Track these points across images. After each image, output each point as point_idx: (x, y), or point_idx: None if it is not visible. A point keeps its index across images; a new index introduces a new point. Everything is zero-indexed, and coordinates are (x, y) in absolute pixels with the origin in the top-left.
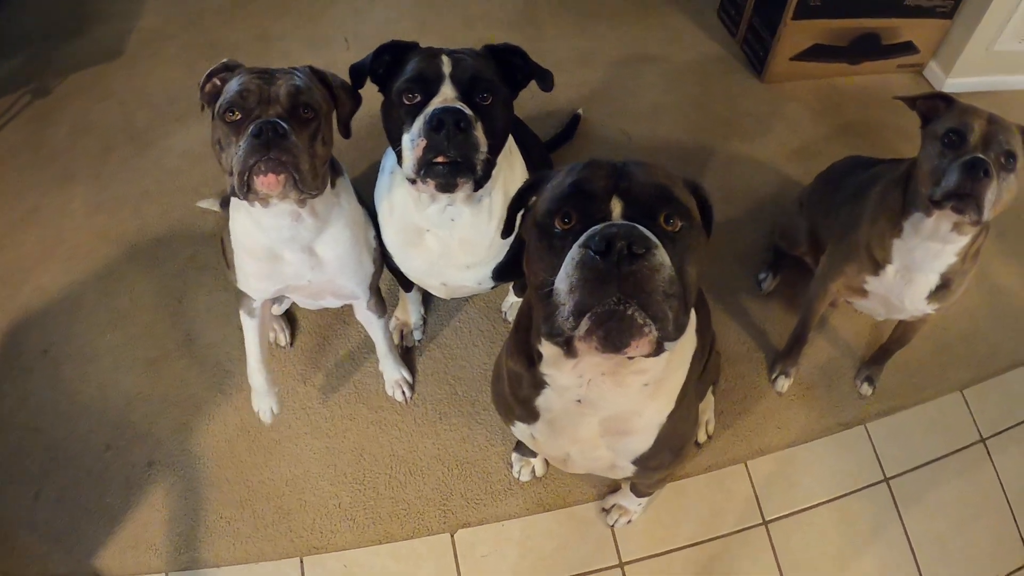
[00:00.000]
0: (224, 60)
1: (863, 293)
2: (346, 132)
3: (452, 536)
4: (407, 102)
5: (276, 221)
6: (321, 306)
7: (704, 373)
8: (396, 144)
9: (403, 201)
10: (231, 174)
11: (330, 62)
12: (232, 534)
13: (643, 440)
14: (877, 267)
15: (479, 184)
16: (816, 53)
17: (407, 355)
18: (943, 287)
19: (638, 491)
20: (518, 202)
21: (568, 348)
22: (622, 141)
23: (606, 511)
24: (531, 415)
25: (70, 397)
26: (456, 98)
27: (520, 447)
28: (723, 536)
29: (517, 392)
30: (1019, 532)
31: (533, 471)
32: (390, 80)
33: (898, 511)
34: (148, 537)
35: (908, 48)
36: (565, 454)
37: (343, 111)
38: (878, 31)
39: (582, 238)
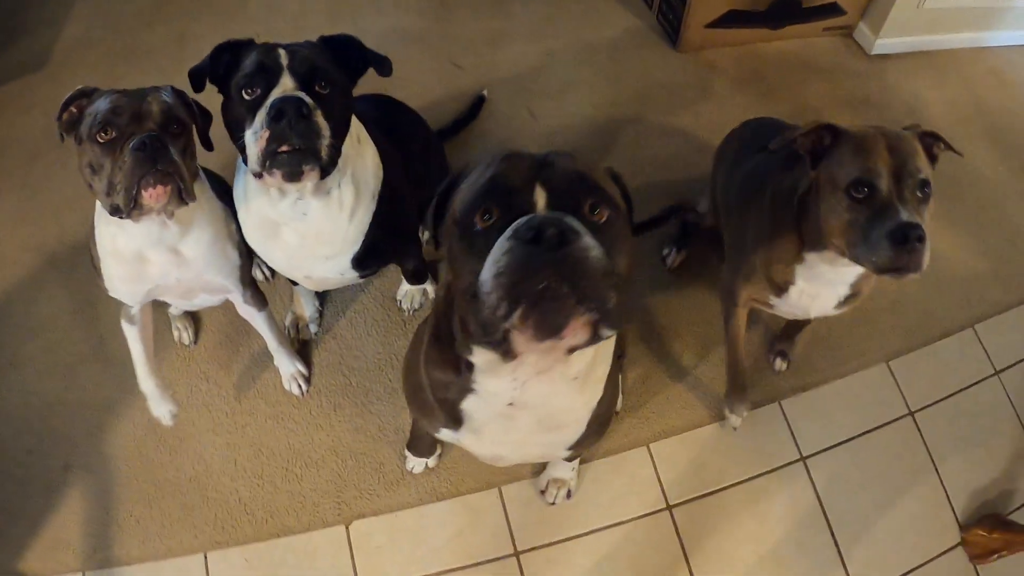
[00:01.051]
0: (79, 87)
1: (768, 305)
2: (208, 145)
3: (347, 528)
4: (247, 96)
5: (143, 229)
6: (197, 305)
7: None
8: (238, 140)
9: (256, 198)
10: (109, 193)
11: None
12: (141, 532)
13: (575, 431)
14: (780, 290)
15: (325, 171)
16: (732, 19)
17: (304, 348)
18: (852, 295)
19: (568, 457)
20: (440, 206)
21: (505, 348)
22: (527, 121)
23: (543, 492)
24: (456, 420)
25: None
26: (295, 88)
27: (413, 445)
28: (625, 522)
29: (441, 396)
30: (952, 511)
31: (426, 464)
32: (229, 79)
33: (816, 491)
34: (66, 538)
35: (833, 10)
36: (495, 455)
37: (201, 126)
38: None
39: (508, 230)
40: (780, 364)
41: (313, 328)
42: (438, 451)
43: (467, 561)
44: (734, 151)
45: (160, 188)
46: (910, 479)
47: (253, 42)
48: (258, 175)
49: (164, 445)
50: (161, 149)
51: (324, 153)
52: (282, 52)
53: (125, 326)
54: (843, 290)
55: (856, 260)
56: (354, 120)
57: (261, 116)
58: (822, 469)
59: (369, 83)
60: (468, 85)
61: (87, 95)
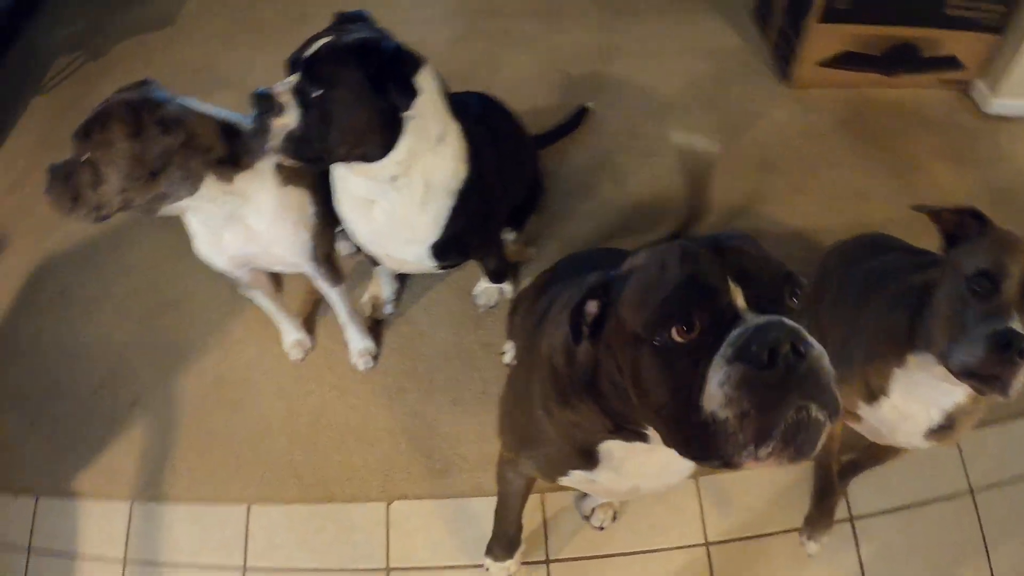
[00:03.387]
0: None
1: (855, 417)
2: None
3: (388, 506)
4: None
5: (199, 202)
6: (277, 271)
7: None
8: None
9: (345, 174)
10: None
11: None
12: (192, 476)
13: None
14: (872, 397)
15: (312, 164)
16: (847, 60)
17: (376, 327)
18: (945, 427)
19: None
20: (580, 312)
21: (730, 464)
22: (627, 138)
23: (587, 518)
24: (592, 462)
25: (76, 336)
26: (293, 85)
27: (491, 550)
28: (661, 551)
29: (577, 438)
30: None
31: (509, 569)
32: None
33: (858, 553)
34: (121, 468)
35: (951, 63)
36: (633, 487)
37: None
38: (916, 42)
39: (727, 350)
40: (812, 547)
41: (388, 309)
42: (520, 549)
43: None
44: (851, 254)
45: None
46: (958, 559)
47: (337, 25)
48: None
49: (228, 400)
50: (60, 178)
51: (270, 146)
52: (316, 45)
53: (245, 293)
54: (937, 416)
55: (947, 358)
56: (433, 120)
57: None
58: (870, 532)
59: (475, 82)
60: (573, 95)
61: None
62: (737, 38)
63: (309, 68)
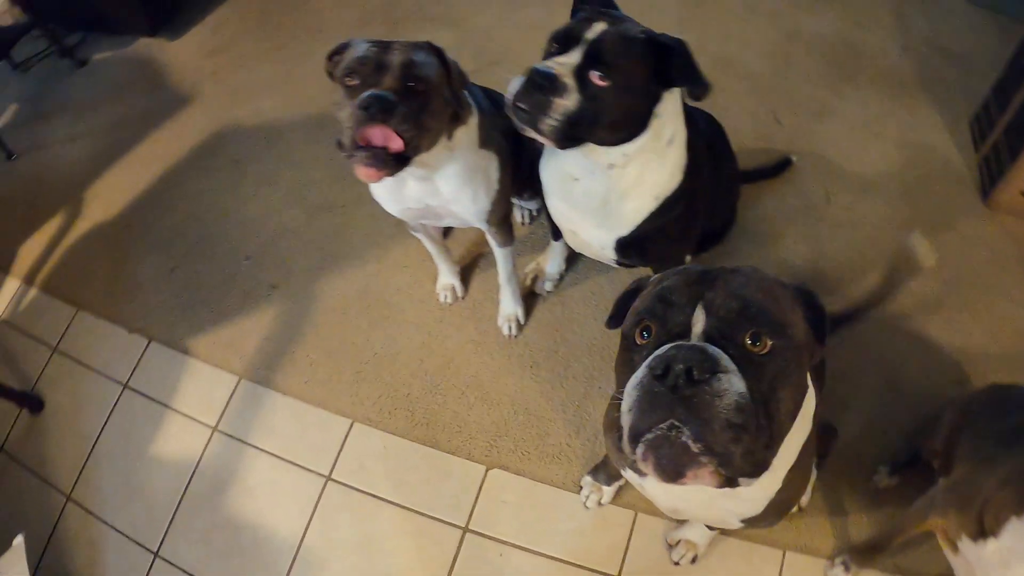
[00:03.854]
0: (344, 41)
1: (954, 548)
2: (457, 104)
3: (487, 471)
4: (550, 50)
5: None
6: (446, 224)
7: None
8: None
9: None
10: (343, 134)
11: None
12: (308, 374)
13: (753, 507)
14: (980, 534)
15: (563, 145)
16: None
17: (530, 300)
18: None
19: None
20: (623, 303)
21: (635, 470)
22: (820, 200)
23: (671, 546)
24: (639, 471)
25: (237, 206)
26: (575, 64)
27: (596, 471)
28: None
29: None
30: None
31: (600, 500)
32: None
33: None
34: (242, 344)
35: None
36: (675, 507)
37: (455, 87)
38: None
39: (651, 357)
40: (838, 571)
41: (548, 286)
42: (620, 482)
43: (570, 559)
44: (1010, 401)
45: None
46: None
47: (612, 4)
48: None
49: (368, 315)
50: (384, 110)
51: (546, 129)
52: (596, 26)
53: (414, 235)
54: None
55: None
56: (670, 123)
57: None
58: None
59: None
60: (780, 143)
61: (346, 47)
62: (950, 140)
63: (596, 52)
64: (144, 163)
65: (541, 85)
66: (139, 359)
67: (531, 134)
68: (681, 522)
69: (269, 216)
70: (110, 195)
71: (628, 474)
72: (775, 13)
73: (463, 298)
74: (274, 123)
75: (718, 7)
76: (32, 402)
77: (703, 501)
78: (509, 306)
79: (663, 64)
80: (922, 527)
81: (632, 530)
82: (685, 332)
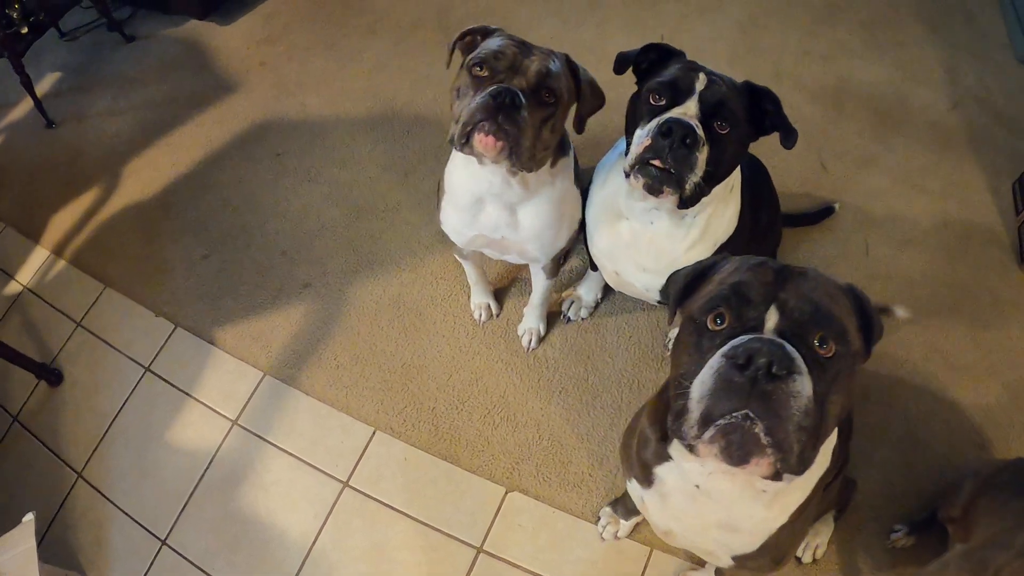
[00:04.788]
0: (484, 24)
1: None
2: (580, 128)
3: (506, 493)
4: (652, 101)
5: (488, 175)
6: (505, 259)
7: (826, 493)
8: (629, 135)
9: (616, 183)
10: (456, 122)
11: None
12: (334, 377)
13: (749, 542)
14: None
15: (685, 204)
16: None
17: (551, 319)
18: None
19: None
20: (685, 288)
21: (691, 448)
22: (859, 251)
23: None
24: (647, 480)
25: (276, 200)
26: (696, 116)
27: (615, 504)
28: None
29: (642, 453)
30: None
31: (616, 533)
32: (648, 76)
33: None
34: (270, 339)
35: None
36: (668, 528)
37: (584, 107)
38: None
39: (726, 347)
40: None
41: (584, 314)
42: (636, 519)
43: None
44: None
45: (491, 139)
46: None
47: (683, 55)
48: (627, 173)
49: (399, 323)
50: (511, 106)
51: (688, 188)
52: (702, 76)
53: (458, 258)
54: None
55: None
56: (735, 173)
57: (653, 124)
58: None
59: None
60: (823, 189)
61: (489, 33)
62: (992, 201)
63: (714, 103)
64: (184, 145)
65: (685, 140)
66: (164, 343)
67: (662, 197)
68: (697, 564)
69: (308, 213)
70: (148, 173)
71: (631, 486)
72: (828, 57)
73: (498, 316)
74: (320, 119)
75: (772, 46)
76: (51, 374)
77: (698, 527)
78: (533, 321)
79: (756, 112)
80: None
81: (646, 567)
82: (759, 327)
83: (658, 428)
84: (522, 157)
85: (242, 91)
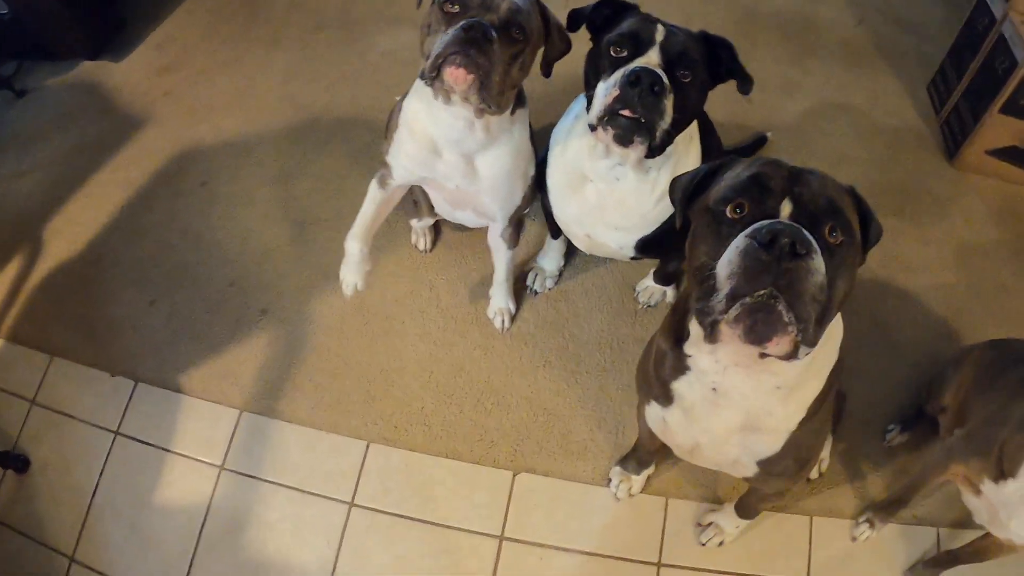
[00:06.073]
0: None
1: (976, 491)
2: (547, 71)
3: (514, 476)
4: (613, 54)
5: (450, 119)
6: (459, 220)
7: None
8: (590, 89)
9: (577, 147)
10: (427, 57)
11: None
12: (315, 399)
13: (772, 442)
14: (1000, 475)
15: (653, 152)
16: (1012, 155)
17: (519, 293)
18: None
19: (743, 510)
20: (698, 185)
21: (711, 332)
22: None
23: (701, 526)
24: (667, 398)
25: (213, 230)
26: (659, 64)
27: (624, 461)
28: None
29: (660, 371)
30: None
31: (630, 490)
32: (603, 32)
33: None
34: (238, 374)
35: None
36: (694, 443)
37: (552, 50)
38: None
39: (750, 229)
40: (863, 530)
41: (550, 283)
42: (649, 470)
43: (610, 552)
44: (1016, 352)
45: (462, 72)
46: None
47: (637, 8)
48: (592, 128)
49: (368, 330)
50: (483, 39)
51: (658, 135)
52: (660, 28)
53: (373, 187)
54: None
55: None
56: (693, 121)
57: (618, 76)
58: None
59: None
60: (753, 120)
61: None
62: (912, 106)
63: (676, 52)
64: (104, 193)
65: (653, 87)
66: (128, 403)
67: (631, 147)
68: (716, 504)
69: (248, 237)
70: (71, 230)
71: (651, 412)
72: None
73: (360, 291)
74: (240, 139)
75: None
76: (16, 461)
77: (722, 434)
78: (501, 300)
79: (712, 60)
80: (944, 476)
81: (666, 517)
82: (775, 215)
83: (672, 338)
84: (491, 92)
85: (152, 126)
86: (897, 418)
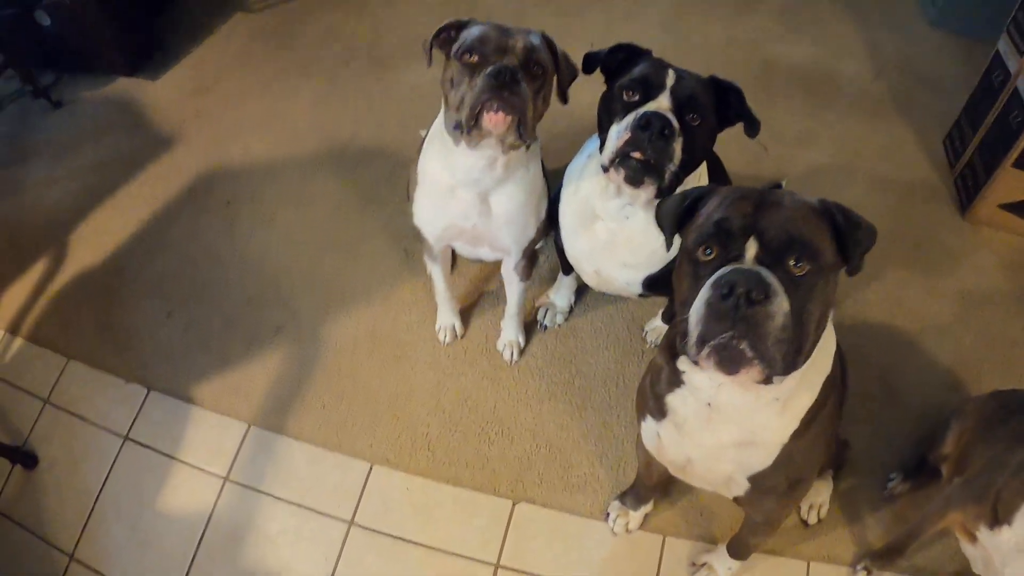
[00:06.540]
0: (457, 19)
1: (973, 539)
2: (564, 98)
3: (514, 505)
4: (626, 98)
5: (470, 162)
6: (477, 256)
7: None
8: (603, 131)
9: (589, 185)
10: (458, 109)
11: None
12: (322, 418)
13: (765, 456)
14: (996, 522)
15: (662, 192)
16: None
17: (530, 328)
18: None
19: (734, 551)
20: (684, 215)
21: (694, 363)
22: None
23: (695, 566)
24: (661, 412)
25: (234, 247)
26: (669, 109)
27: (624, 496)
28: None
29: (656, 385)
30: None
31: (627, 525)
32: (617, 76)
33: None
34: (249, 389)
35: None
36: (687, 459)
37: (563, 77)
38: None
39: (712, 278)
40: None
41: (560, 319)
42: (647, 508)
43: None
44: (1018, 402)
45: (501, 115)
46: None
47: (650, 53)
48: (605, 168)
49: (379, 355)
50: (512, 81)
51: (667, 176)
52: (671, 72)
53: (428, 263)
54: None
55: None
56: (703, 163)
57: (630, 119)
58: None
59: None
60: (767, 169)
61: (463, 26)
62: (925, 160)
63: (685, 96)
64: (131, 205)
65: (663, 131)
66: (139, 409)
67: (642, 188)
68: (711, 544)
69: (268, 257)
70: (96, 239)
71: (647, 428)
72: (752, 44)
73: (462, 337)
74: (266, 162)
75: (697, 41)
76: (25, 458)
77: (715, 449)
78: (511, 333)
79: (721, 104)
80: (942, 524)
81: (662, 555)
82: (740, 255)
83: (668, 353)
84: (526, 127)
85: (182, 144)
86: (900, 467)
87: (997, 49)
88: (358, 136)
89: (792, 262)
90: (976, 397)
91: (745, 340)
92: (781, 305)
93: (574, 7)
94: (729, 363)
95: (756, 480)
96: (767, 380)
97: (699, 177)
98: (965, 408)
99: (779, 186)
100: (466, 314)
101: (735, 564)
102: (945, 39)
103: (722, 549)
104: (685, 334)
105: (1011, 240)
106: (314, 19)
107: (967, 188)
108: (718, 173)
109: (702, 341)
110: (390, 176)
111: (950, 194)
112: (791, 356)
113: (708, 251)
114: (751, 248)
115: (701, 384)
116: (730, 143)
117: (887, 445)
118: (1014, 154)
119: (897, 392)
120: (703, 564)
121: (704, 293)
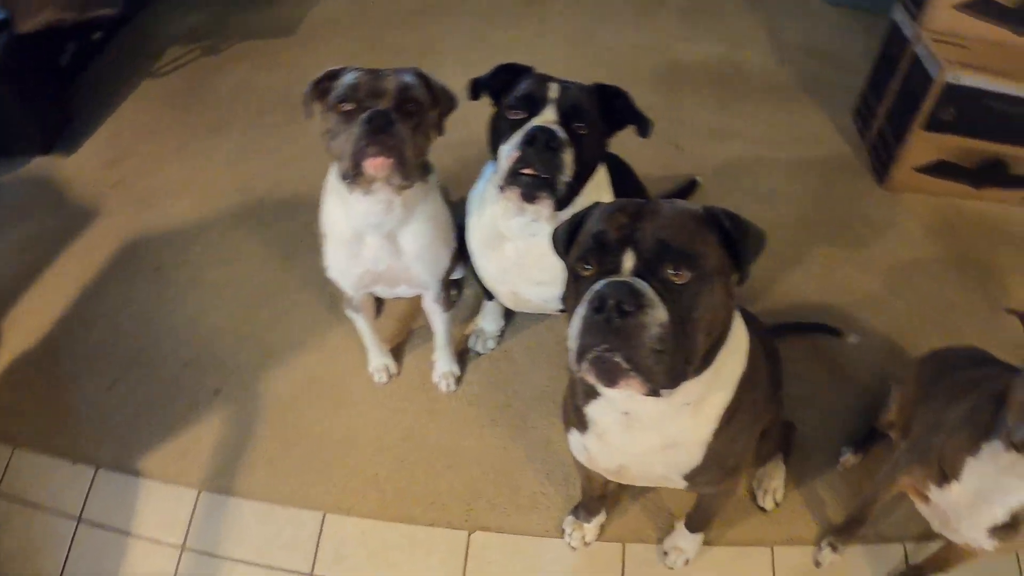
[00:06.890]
0: (330, 68)
1: (925, 499)
2: (439, 129)
3: (469, 535)
4: (511, 117)
5: (368, 208)
6: (396, 295)
7: (766, 440)
8: (494, 153)
9: (492, 208)
10: (341, 159)
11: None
12: (270, 473)
13: (692, 456)
14: (944, 480)
15: (560, 204)
16: (940, 169)
17: (462, 355)
18: (1010, 526)
19: (693, 523)
20: (573, 235)
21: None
22: None
23: (666, 553)
24: (583, 424)
25: (166, 313)
26: (555, 121)
27: (576, 510)
28: None
29: (574, 397)
30: None
31: (584, 538)
32: (502, 96)
33: None
34: (196, 453)
35: None
36: (618, 465)
37: (443, 109)
38: (1008, 159)
39: (587, 294)
40: (826, 555)
41: (491, 344)
42: (600, 519)
43: None
44: (949, 360)
45: (381, 159)
46: None
47: (532, 70)
48: (501, 188)
49: (320, 402)
50: (387, 123)
51: (561, 188)
52: (553, 86)
53: (350, 314)
54: (1001, 512)
55: (1012, 439)
56: (601, 169)
57: (517, 137)
58: None
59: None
60: (683, 168)
61: (335, 76)
62: (838, 137)
63: (570, 107)
64: (59, 284)
65: (550, 144)
66: (89, 489)
67: (538, 203)
68: (670, 533)
69: (200, 318)
70: (27, 322)
71: (573, 441)
72: (657, 47)
73: (397, 375)
74: (189, 224)
75: (603, 50)
76: None
77: (643, 453)
78: (445, 364)
79: (609, 109)
80: (894, 489)
81: (624, 562)
82: (617, 267)
83: None
84: (408, 167)
85: (103, 216)
86: (849, 440)
87: (893, 19)
88: (278, 187)
89: (670, 270)
90: (913, 360)
91: (619, 352)
92: (656, 315)
93: (478, 32)
94: (607, 375)
95: (691, 477)
96: (653, 393)
97: (598, 185)
98: (904, 373)
99: (695, 182)
100: (399, 351)
101: (698, 537)
102: (843, 16)
103: (680, 527)
104: (570, 350)
105: (931, 202)
106: (223, 75)
107: (881, 157)
108: (626, 179)
109: (581, 354)
110: (311, 224)
111: (866, 166)
112: (677, 366)
113: (587, 266)
114: (628, 260)
115: (613, 394)
116: (645, 146)
117: (835, 421)
118: (921, 116)
119: (839, 367)
120: (671, 548)
121: (580, 308)
